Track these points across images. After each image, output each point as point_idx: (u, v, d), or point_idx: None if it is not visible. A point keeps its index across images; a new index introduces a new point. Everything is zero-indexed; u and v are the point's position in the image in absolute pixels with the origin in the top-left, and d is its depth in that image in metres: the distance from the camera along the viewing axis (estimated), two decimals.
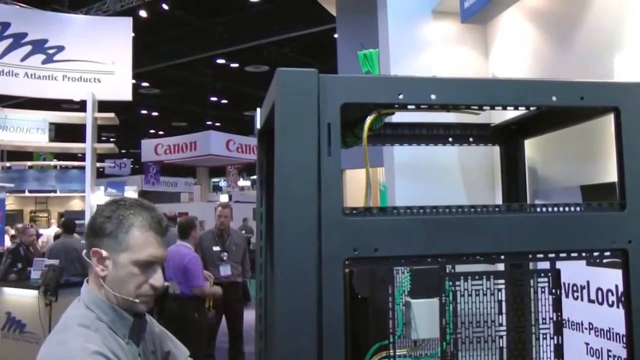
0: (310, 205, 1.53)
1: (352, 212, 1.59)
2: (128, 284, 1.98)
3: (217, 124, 31.59)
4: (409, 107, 1.65)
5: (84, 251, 2.07)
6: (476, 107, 1.71)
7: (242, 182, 36.43)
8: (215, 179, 37.78)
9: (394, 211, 1.62)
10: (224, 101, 27.81)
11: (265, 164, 2.26)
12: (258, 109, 2.25)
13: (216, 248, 8.10)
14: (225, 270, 7.95)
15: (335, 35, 16.03)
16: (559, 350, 1.85)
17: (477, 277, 1.77)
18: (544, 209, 1.72)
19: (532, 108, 1.80)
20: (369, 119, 1.69)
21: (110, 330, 1.98)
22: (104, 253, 1.99)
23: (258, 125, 2.25)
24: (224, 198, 27.30)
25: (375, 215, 1.62)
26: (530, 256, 1.74)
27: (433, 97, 1.61)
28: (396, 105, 1.65)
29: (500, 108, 1.70)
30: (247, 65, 22.46)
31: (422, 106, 1.65)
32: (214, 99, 27.23)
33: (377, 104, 1.66)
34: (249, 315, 8.80)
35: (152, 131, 34.66)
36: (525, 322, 1.89)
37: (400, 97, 1.60)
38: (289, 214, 1.54)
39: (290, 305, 1.52)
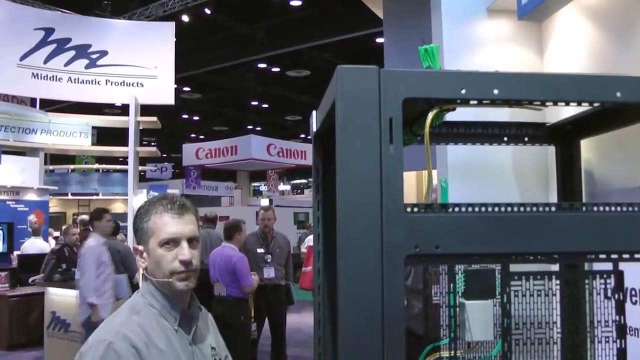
0: (373, 202, 1.51)
1: (413, 209, 1.57)
2: (161, 265, 2.17)
3: (258, 129, 31.73)
4: (471, 102, 1.62)
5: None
6: (539, 103, 1.68)
7: (282, 187, 36.53)
8: (256, 184, 37.95)
9: (456, 208, 1.60)
10: (265, 106, 27.92)
11: (321, 168, 2.25)
12: (314, 112, 2.23)
13: (260, 250, 8.12)
14: (269, 273, 7.95)
15: (378, 40, 16.12)
16: (622, 354, 1.81)
17: (539, 277, 1.74)
18: (607, 209, 1.68)
19: (595, 104, 1.76)
20: (431, 114, 1.67)
21: (161, 317, 2.17)
22: (140, 247, 2.24)
23: (314, 128, 2.22)
24: (264, 202, 27.44)
25: (436, 212, 1.59)
26: (593, 256, 1.70)
27: (496, 92, 1.58)
28: (458, 101, 1.62)
29: (563, 104, 1.66)
30: (288, 70, 22.54)
31: (484, 101, 1.62)
32: (254, 103, 27.36)
33: (438, 99, 1.63)
34: (291, 319, 8.81)
35: (193, 135, 34.93)
36: (588, 324, 1.85)
37: (463, 92, 1.57)
38: (352, 210, 1.52)
39: (354, 304, 1.51)
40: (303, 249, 15.49)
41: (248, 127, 31.29)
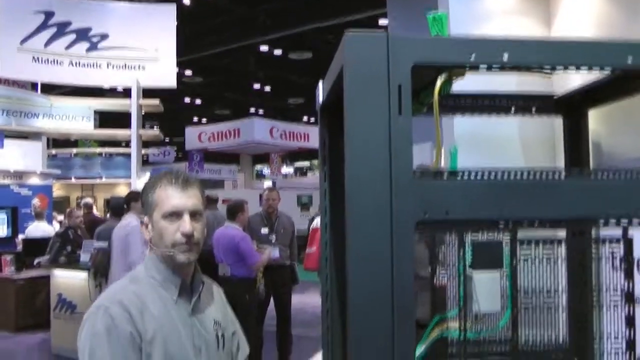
0: (382, 169, 1.51)
1: (422, 175, 1.57)
2: (163, 237, 2.24)
3: (261, 112, 31.62)
4: (481, 67, 1.61)
5: None
6: (549, 68, 1.67)
7: (285, 170, 36.40)
8: (259, 166, 37.82)
9: (465, 174, 1.60)
10: (267, 89, 27.81)
11: (327, 139, 2.25)
12: (320, 82, 2.21)
13: (264, 230, 8.12)
14: (274, 253, 7.95)
15: (381, 22, 16.02)
16: (630, 320, 1.81)
17: (548, 243, 1.74)
18: (617, 175, 1.67)
19: (605, 70, 1.75)
20: (439, 81, 1.66)
21: (161, 288, 2.26)
22: (145, 219, 2.32)
23: (320, 99, 2.21)
24: (268, 185, 27.41)
25: (446, 178, 1.59)
26: (602, 222, 1.69)
27: (505, 57, 1.58)
28: (467, 67, 1.61)
29: (573, 69, 1.65)
30: (291, 53, 22.42)
31: (493, 67, 1.61)
32: (257, 87, 27.24)
33: (447, 64, 1.63)
34: (296, 299, 8.83)
35: (195, 120, 34.83)
36: (595, 291, 1.85)
37: (472, 57, 1.57)
38: (361, 178, 1.52)
39: (363, 272, 1.51)
40: None
41: (251, 111, 31.18)
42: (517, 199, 1.57)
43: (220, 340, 2.38)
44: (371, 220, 1.51)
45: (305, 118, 32.68)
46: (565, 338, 1.98)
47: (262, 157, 32.31)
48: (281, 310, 8.31)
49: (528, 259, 1.75)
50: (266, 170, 35.41)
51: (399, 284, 1.51)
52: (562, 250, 1.77)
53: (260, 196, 8.69)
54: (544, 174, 1.62)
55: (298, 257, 8.85)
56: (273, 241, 8.05)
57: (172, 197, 2.24)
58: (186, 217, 2.22)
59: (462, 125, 3.00)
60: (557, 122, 2.66)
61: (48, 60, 15.11)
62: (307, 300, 10.98)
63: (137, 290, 2.22)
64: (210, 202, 10.39)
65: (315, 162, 38.37)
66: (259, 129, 24.77)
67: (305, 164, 41.84)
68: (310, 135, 25.94)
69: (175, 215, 2.22)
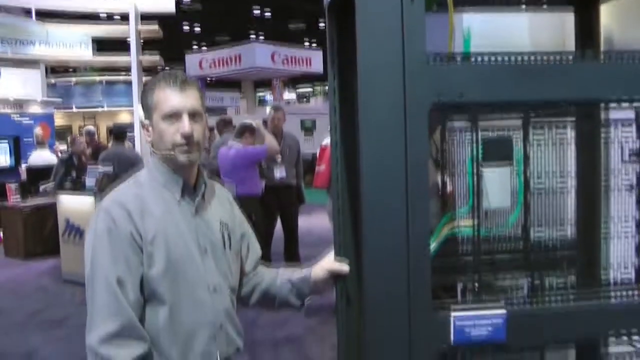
0: (395, 54, 1.50)
1: (436, 59, 1.55)
2: (164, 138, 2.23)
3: (262, 38, 31.29)
4: None
5: None
6: None
7: (287, 95, 36.14)
8: (261, 93, 37.49)
9: (479, 57, 1.58)
10: (268, 15, 27.46)
11: (336, 39, 2.22)
12: None
13: None
14: (280, 172, 8.00)
15: None
16: None
17: (560, 125, 1.73)
18: (631, 60, 1.65)
19: None
20: None
21: (165, 189, 2.29)
22: (146, 121, 2.31)
23: None
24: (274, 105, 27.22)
25: (459, 61, 1.58)
26: (615, 104, 1.68)
27: None
28: None
29: None
30: None
31: None
32: (257, 12, 26.88)
33: None
34: (302, 222, 8.89)
35: (195, 47, 34.52)
36: (606, 174, 1.85)
37: None
38: (373, 65, 1.51)
39: (377, 157, 1.51)
40: None
41: (251, 37, 30.85)
42: (530, 80, 1.57)
43: (227, 240, 2.39)
44: (385, 105, 1.51)
45: (307, 44, 32.36)
46: (573, 233, 2.00)
47: (264, 84, 32.12)
48: (289, 230, 8.39)
49: (541, 143, 1.74)
50: (269, 96, 35.18)
51: (414, 168, 1.51)
52: (573, 134, 1.76)
53: (265, 122, 8.62)
54: (558, 56, 1.61)
55: (303, 178, 8.86)
56: (279, 160, 8.05)
57: (171, 98, 2.23)
58: (185, 118, 2.21)
59: (471, 22, 2.96)
60: (567, 22, 2.62)
61: None
62: (313, 222, 11.06)
63: (139, 192, 2.25)
64: (226, 124, 10.16)
65: (318, 87, 38.11)
66: (260, 55, 24.44)
67: (307, 89, 41.52)
68: (313, 59, 25.67)
69: (174, 116, 2.22)
